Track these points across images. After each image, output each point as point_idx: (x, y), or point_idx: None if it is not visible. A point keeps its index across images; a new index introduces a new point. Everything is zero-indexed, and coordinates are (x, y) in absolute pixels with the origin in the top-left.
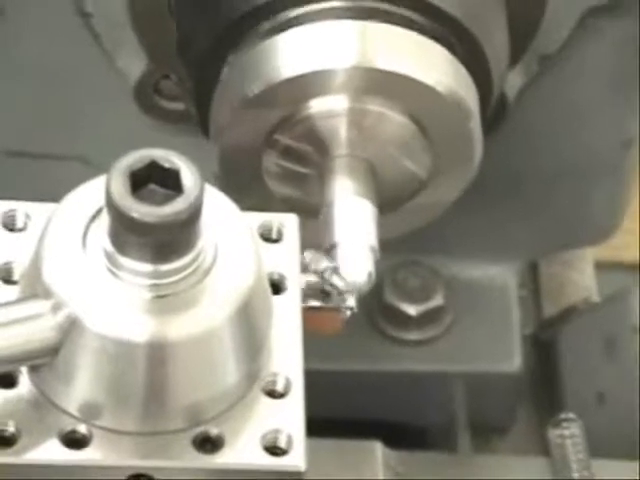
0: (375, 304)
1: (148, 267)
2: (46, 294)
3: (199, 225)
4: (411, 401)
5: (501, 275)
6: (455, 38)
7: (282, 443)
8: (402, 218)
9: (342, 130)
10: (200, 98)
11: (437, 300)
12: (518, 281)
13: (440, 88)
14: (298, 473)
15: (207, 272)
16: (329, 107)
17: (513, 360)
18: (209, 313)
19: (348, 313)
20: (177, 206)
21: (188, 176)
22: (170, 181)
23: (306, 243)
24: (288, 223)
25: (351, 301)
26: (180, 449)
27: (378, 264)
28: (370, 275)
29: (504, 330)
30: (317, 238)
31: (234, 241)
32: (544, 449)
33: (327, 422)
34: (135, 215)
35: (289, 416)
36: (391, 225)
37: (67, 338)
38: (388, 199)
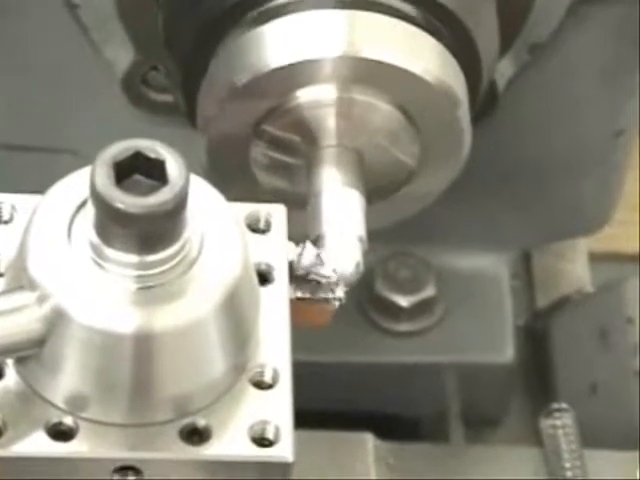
0: (366, 295)
1: (134, 258)
2: (32, 286)
3: (185, 215)
4: (403, 392)
5: (493, 266)
6: (444, 27)
7: (270, 434)
8: (391, 208)
9: (330, 120)
10: (187, 89)
11: (429, 291)
12: (510, 272)
13: (428, 77)
14: (286, 464)
15: (193, 263)
16: (317, 97)
17: (505, 351)
18: (195, 304)
19: (337, 304)
20: (162, 196)
21: (173, 166)
22: (155, 172)
23: (294, 234)
24: (276, 213)
25: (340, 292)
26: (167, 441)
27: (368, 255)
28: (358, 265)
29: (496, 321)
30: (305, 229)
31: (221, 231)
32: (537, 440)
33: (318, 414)
34: (120, 206)
35: (277, 407)
36: (380, 215)
37: (53, 330)
38: (377, 189)
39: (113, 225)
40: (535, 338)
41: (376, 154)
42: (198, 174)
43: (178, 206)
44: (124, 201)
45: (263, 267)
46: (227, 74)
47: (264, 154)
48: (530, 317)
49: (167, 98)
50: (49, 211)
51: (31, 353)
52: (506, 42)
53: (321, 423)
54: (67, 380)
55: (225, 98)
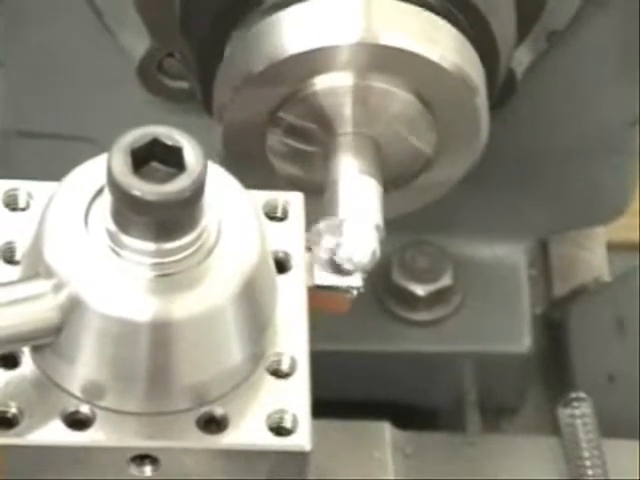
0: (383, 284)
1: (151, 246)
2: (48, 274)
3: (202, 203)
4: (420, 382)
5: (511, 254)
6: (461, 14)
7: (287, 423)
8: (408, 196)
9: (347, 107)
10: (203, 76)
11: (446, 280)
12: (528, 260)
13: (445, 64)
14: (303, 453)
15: (210, 251)
16: (333, 84)
17: (523, 340)
18: (213, 292)
19: (355, 293)
20: (179, 184)
21: (191, 153)
22: (173, 159)
23: (311, 222)
24: (294, 201)
25: (358, 281)
26: (184, 429)
27: (386, 244)
28: (374, 253)
29: (514, 310)
30: (321, 216)
31: (238, 219)
32: (554, 429)
33: (335, 404)
34: (137, 193)
35: (294, 396)
36: (397, 203)
37: (69, 318)
38: (393, 177)
39: (130, 213)
40: (552, 327)
41: (393, 142)
42: (214, 162)
43: (195, 194)
44: (141, 188)
45: (281, 255)
46: (243, 61)
47: (280, 142)
48: (547, 306)
49: (183, 85)
50: (66, 199)
51: (47, 342)
52: (524, 29)
53: (338, 413)
54: (83, 369)
55: (241, 85)
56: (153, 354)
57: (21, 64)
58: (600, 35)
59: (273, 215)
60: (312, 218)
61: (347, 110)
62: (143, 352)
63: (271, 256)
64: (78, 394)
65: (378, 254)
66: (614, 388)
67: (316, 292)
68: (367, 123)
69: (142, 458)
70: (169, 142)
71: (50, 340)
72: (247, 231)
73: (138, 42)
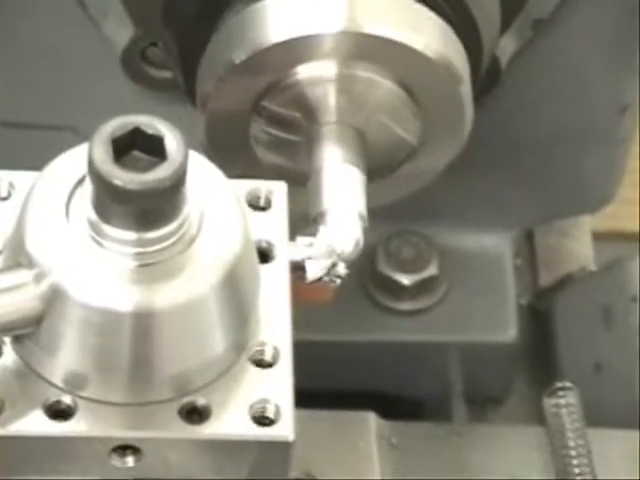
0: (368, 274)
1: (132, 235)
2: (29, 263)
3: (184, 192)
4: (405, 372)
5: (496, 244)
6: (445, 2)
7: (270, 413)
8: (392, 185)
9: (330, 96)
10: (186, 65)
11: (431, 270)
12: (513, 250)
13: (429, 53)
14: (286, 443)
15: (192, 240)
16: (317, 73)
17: (509, 330)
18: (195, 282)
19: (338, 282)
20: (160, 173)
21: (172, 143)
22: (154, 148)
23: (295, 211)
24: (277, 190)
25: (341, 270)
26: (166, 420)
27: (371, 234)
28: (358, 243)
29: (499, 299)
30: (305, 206)
31: (220, 208)
32: (540, 419)
33: (320, 394)
34: (118, 182)
35: (277, 386)
36: (381, 192)
37: (50, 308)
38: (377, 166)
39: (111, 202)
40: (538, 317)
41: (377, 131)
42: (197, 151)
43: (177, 182)
44: (122, 177)
45: (263, 245)
46: (226, 50)
47: (264, 131)
48: (533, 296)
49: (166, 74)
50: (47, 188)
51: (28, 331)
52: (508, 18)
53: (323, 403)
54: (65, 359)
55: (224, 75)
56: (135, 344)
57: (4, 54)
58: (585, 23)
59: (256, 204)
60: (295, 208)
61: (330, 99)
62: (125, 342)
63: (254, 246)
64: (60, 384)
65: (362, 243)
66: (601, 377)
67: (299, 282)
68: (351, 112)
69: (124, 449)
70: (150, 131)
71: (31, 330)
72: (229, 220)
73: (121, 32)
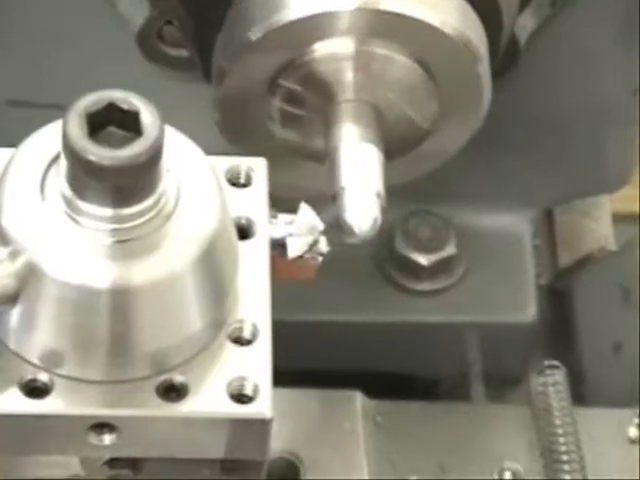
0: (386, 254)
1: (108, 212)
2: (4, 241)
3: (159, 168)
4: (423, 352)
5: (515, 224)
6: None
7: (248, 390)
8: (410, 164)
9: (347, 74)
10: (202, 44)
11: (449, 250)
12: (533, 230)
13: (446, 29)
14: (264, 421)
15: (169, 216)
16: (334, 50)
17: (528, 310)
18: (172, 257)
19: (320, 259)
20: (136, 148)
21: (148, 118)
22: (129, 123)
23: (312, 189)
24: (257, 167)
25: (323, 247)
26: (144, 397)
27: (389, 213)
28: (375, 221)
29: (519, 280)
30: (321, 184)
31: (197, 184)
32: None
33: (338, 374)
34: (92, 158)
35: (256, 363)
36: (398, 171)
37: (26, 285)
38: (395, 144)
39: (86, 178)
40: (558, 297)
41: (394, 109)
42: (212, 129)
43: (152, 158)
44: (96, 153)
45: (243, 221)
46: (242, 27)
47: (280, 109)
48: (553, 276)
49: (182, 53)
50: (22, 165)
51: (3, 309)
52: None
53: (340, 383)
54: (42, 337)
55: (240, 52)
56: (112, 321)
57: (15, 33)
58: (604, 2)
59: (236, 181)
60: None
61: (348, 77)
62: (102, 319)
63: (232, 222)
64: (36, 362)
65: (379, 221)
66: (620, 357)
67: (280, 259)
68: (368, 90)
69: (101, 427)
70: (125, 106)
71: (7, 308)
72: (206, 196)
73: (137, 10)
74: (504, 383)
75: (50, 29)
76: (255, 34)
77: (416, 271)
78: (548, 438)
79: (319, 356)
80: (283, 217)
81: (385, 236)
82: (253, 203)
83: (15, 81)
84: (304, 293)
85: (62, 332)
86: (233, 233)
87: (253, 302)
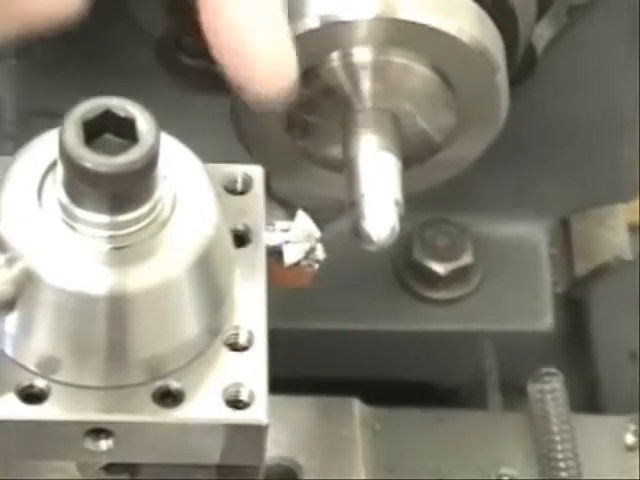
0: (403, 262)
1: (104, 218)
2: (1, 247)
3: (156, 175)
4: (440, 361)
5: (532, 233)
6: None
7: (244, 396)
8: (427, 173)
9: (365, 83)
10: None
11: (466, 258)
12: (549, 239)
13: (464, 38)
14: (260, 427)
15: (165, 223)
16: (352, 59)
17: (544, 319)
18: (168, 264)
19: (317, 266)
20: (132, 155)
21: (144, 125)
22: (125, 130)
23: (330, 197)
24: (254, 174)
25: (320, 254)
26: (140, 403)
27: (406, 222)
28: (393, 229)
29: (535, 288)
30: (339, 192)
31: (193, 191)
32: (575, 409)
33: (353, 382)
34: (88, 165)
35: (252, 369)
36: (416, 180)
37: (23, 292)
38: (412, 153)
39: (82, 185)
40: (574, 306)
41: (412, 117)
42: (231, 139)
43: (148, 165)
44: (93, 160)
45: (240, 228)
46: None
47: (298, 117)
48: (569, 285)
49: (201, 63)
50: (19, 172)
51: (0, 316)
52: (544, 3)
53: (355, 391)
54: (39, 343)
55: None
56: (108, 327)
57: (40, 43)
58: (621, 9)
59: (232, 188)
60: (330, 195)
61: (365, 85)
62: (98, 325)
63: (228, 229)
64: (33, 368)
65: (397, 230)
66: (636, 366)
67: (276, 266)
68: (386, 98)
69: (98, 432)
70: (122, 113)
71: (3, 314)
72: (202, 203)
73: (156, 22)
74: (521, 391)
75: (72, 40)
76: None
77: (433, 280)
78: (545, 445)
79: (335, 364)
80: (280, 224)
81: (402, 244)
82: (250, 210)
83: (40, 91)
84: (321, 301)
85: (59, 338)
86: (229, 240)
87: (249, 309)
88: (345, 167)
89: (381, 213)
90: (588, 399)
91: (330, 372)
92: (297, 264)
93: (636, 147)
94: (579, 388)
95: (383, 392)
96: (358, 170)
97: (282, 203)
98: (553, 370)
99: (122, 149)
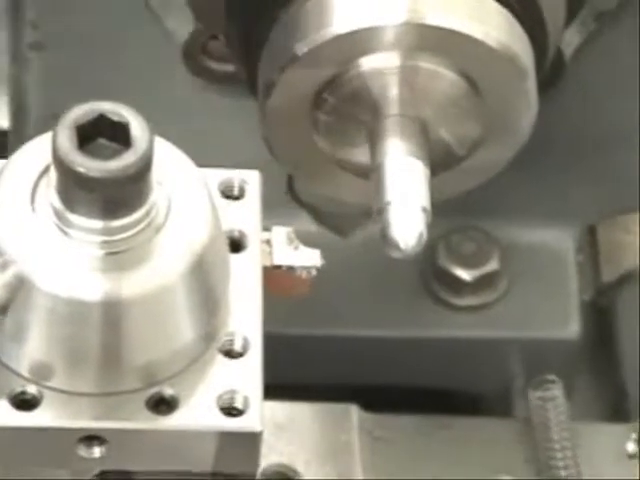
0: (429, 269)
1: (98, 224)
2: None
3: (149, 180)
4: (466, 368)
5: (558, 239)
6: None
7: (238, 403)
8: (455, 179)
9: (393, 89)
10: (248, 58)
11: (492, 265)
12: (576, 246)
13: (493, 43)
14: (254, 434)
15: (160, 228)
16: (380, 65)
17: (571, 326)
18: (162, 270)
19: (314, 273)
20: (125, 160)
21: (137, 130)
22: (119, 135)
23: (357, 204)
24: (250, 180)
25: (317, 260)
26: (133, 410)
27: (432, 228)
28: (421, 236)
29: (561, 295)
30: (367, 198)
31: (188, 196)
32: (602, 416)
33: (380, 389)
34: (81, 170)
35: (246, 376)
36: (444, 186)
37: (16, 297)
38: (440, 159)
39: (76, 190)
40: (600, 313)
41: (440, 123)
42: (258, 143)
43: (142, 170)
44: (86, 165)
45: (236, 234)
46: (288, 42)
47: (325, 123)
48: (595, 292)
49: (227, 67)
50: (12, 177)
51: None
52: (573, 10)
53: (381, 398)
54: (31, 349)
55: (286, 66)
56: (102, 333)
57: (63, 47)
58: None
59: (229, 193)
60: (357, 201)
61: (393, 91)
62: (92, 331)
63: (223, 234)
64: (25, 374)
65: (425, 237)
66: None
67: (275, 272)
68: (413, 104)
69: (91, 439)
70: (115, 118)
71: None
72: (197, 209)
73: (183, 25)
74: None
75: (97, 45)
76: (301, 49)
77: (459, 286)
78: (546, 453)
79: (360, 371)
80: (277, 230)
81: (428, 251)
82: (246, 216)
83: (62, 95)
84: (348, 308)
85: (52, 344)
86: (224, 246)
87: (244, 315)
88: (372, 173)
89: (408, 220)
90: (614, 407)
91: (354, 379)
92: (294, 271)
93: None
94: (605, 395)
95: (402, 399)
96: (385, 176)
97: (308, 207)
98: (553, 377)
99: (115, 154)
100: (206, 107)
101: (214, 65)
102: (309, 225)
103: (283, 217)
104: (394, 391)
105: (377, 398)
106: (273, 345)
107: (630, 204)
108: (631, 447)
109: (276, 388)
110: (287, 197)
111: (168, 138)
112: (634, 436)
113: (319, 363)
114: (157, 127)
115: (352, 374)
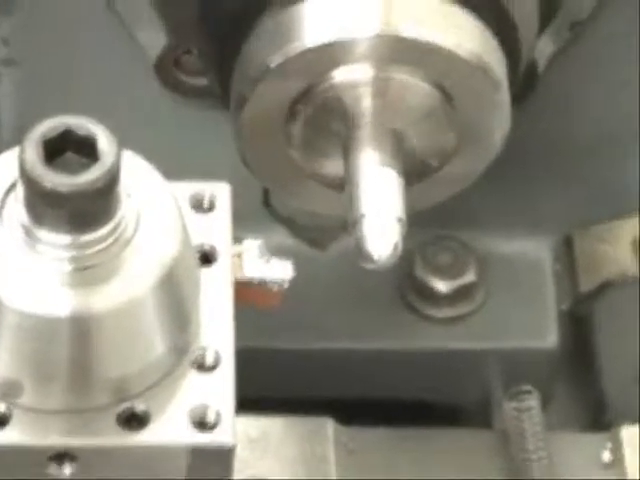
0: (405, 280)
1: (66, 239)
2: None
3: (117, 194)
4: (444, 379)
5: (535, 250)
6: (482, 3)
7: (210, 418)
8: (429, 190)
9: (366, 100)
10: (222, 71)
11: (469, 276)
12: (553, 255)
13: (466, 54)
14: (226, 449)
15: (128, 242)
16: (353, 77)
17: (549, 336)
18: (131, 284)
19: (285, 286)
20: (92, 174)
21: (105, 144)
22: (86, 149)
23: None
24: (220, 193)
25: (289, 272)
26: (104, 427)
27: (408, 239)
28: (396, 247)
29: (539, 306)
30: (343, 211)
31: (157, 210)
32: (581, 426)
33: (357, 402)
34: (48, 185)
35: (218, 390)
36: (418, 197)
37: None
38: (415, 170)
39: (43, 205)
40: (579, 323)
41: (414, 134)
42: (232, 156)
43: (109, 184)
44: (52, 180)
45: (206, 247)
46: (261, 54)
47: (300, 134)
48: (573, 302)
49: (201, 81)
50: None
51: None
52: (546, 20)
53: (358, 411)
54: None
55: (259, 79)
56: (72, 349)
57: (36, 62)
58: (623, 24)
59: (199, 207)
60: (333, 213)
61: (367, 103)
62: (61, 348)
63: (193, 248)
64: None
65: (401, 247)
66: None
67: (246, 285)
68: (387, 115)
69: (61, 457)
70: (82, 132)
71: None
72: (166, 222)
73: (155, 40)
74: None
75: (69, 59)
76: (274, 61)
77: (436, 298)
78: (522, 463)
79: (338, 384)
80: (248, 243)
81: (404, 262)
82: (216, 228)
83: (35, 109)
84: (324, 321)
85: (20, 362)
86: (194, 259)
87: (216, 328)
88: (347, 185)
89: (383, 231)
90: (593, 416)
91: (331, 392)
92: (265, 284)
93: (637, 163)
94: (584, 405)
95: (380, 412)
96: (359, 188)
97: (285, 221)
98: (529, 388)
99: (83, 168)
100: (179, 121)
101: (187, 79)
102: (285, 238)
103: (259, 230)
104: (371, 404)
105: (354, 411)
106: (246, 359)
107: (606, 213)
108: (607, 456)
109: (250, 402)
110: (263, 210)
111: (142, 153)
112: (610, 445)
113: (294, 376)
114: (129, 141)
115: (328, 387)
